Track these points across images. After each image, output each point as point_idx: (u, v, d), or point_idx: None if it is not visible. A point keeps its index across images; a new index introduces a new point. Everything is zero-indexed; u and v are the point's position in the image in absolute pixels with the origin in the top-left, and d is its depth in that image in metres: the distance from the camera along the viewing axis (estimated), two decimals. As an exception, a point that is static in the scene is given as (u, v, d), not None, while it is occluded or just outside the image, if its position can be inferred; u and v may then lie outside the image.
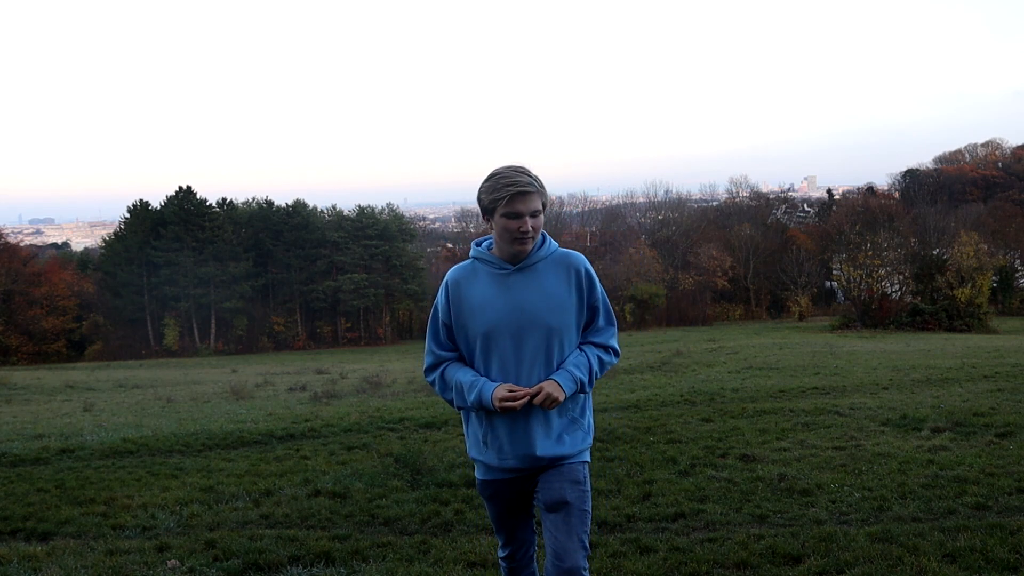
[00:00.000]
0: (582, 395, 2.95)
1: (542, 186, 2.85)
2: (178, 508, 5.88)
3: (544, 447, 2.86)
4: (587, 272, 2.93)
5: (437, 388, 2.96)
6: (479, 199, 2.87)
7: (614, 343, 2.99)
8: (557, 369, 2.87)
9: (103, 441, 8.88)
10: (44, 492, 6.54)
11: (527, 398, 2.77)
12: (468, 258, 3.01)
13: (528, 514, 3.09)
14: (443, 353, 2.95)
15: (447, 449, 7.68)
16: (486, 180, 2.85)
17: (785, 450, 6.99)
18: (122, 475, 7.17)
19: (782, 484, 5.83)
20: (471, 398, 2.83)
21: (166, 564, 4.57)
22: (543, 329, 2.83)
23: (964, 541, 4.35)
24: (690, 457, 6.84)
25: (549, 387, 2.78)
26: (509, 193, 2.77)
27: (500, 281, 2.88)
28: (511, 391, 2.78)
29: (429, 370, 2.99)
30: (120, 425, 10.91)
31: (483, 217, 2.90)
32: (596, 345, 2.95)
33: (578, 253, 2.98)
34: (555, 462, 2.89)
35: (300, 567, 4.46)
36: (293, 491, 6.25)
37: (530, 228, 2.80)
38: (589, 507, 2.90)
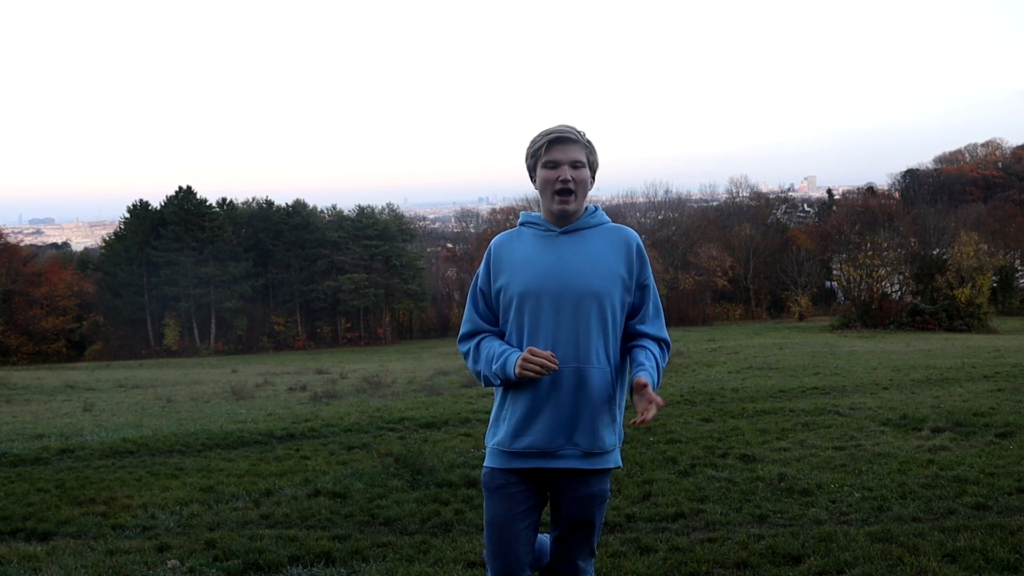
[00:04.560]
0: (622, 386, 2.75)
1: (589, 143, 2.69)
2: (178, 508, 5.87)
3: (569, 433, 2.62)
4: (639, 248, 2.73)
5: (469, 359, 2.74)
6: (526, 163, 2.73)
7: (665, 335, 2.76)
8: (599, 346, 2.62)
9: (103, 441, 8.87)
10: (44, 492, 6.54)
11: (550, 367, 2.51)
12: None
13: (533, 527, 2.72)
14: (482, 323, 2.76)
15: (447, 449, 7.69)
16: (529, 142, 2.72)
17: (785, 450, 6.99)
18: (122, 475, 7.17)
19: (782, 484, 5.83)
20: (496, 365, 2.61)
21: (166, 564, 4.57)
22: (587, 294, 2.61)
23: (964, 541, 4.35)
24: (690, 457, 6.84)
25: (653, 397, 2.50)
26: (546, 140, 2.64)
27: (546, 242, 2.70)
28: (539, 354, 2.51)
29: (464, 338, 2.78)
30: (120, 425, 10.91)
31: (532, 182, 2.74)
32: (651, 338, 2.72)
33: (632, 229, 2.79)
34: (578, 457, 2.64)
35: (300, 567, 4.46)
36: (293, 491, 6.24)
37: (570, 178, 2.62)
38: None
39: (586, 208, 2.74)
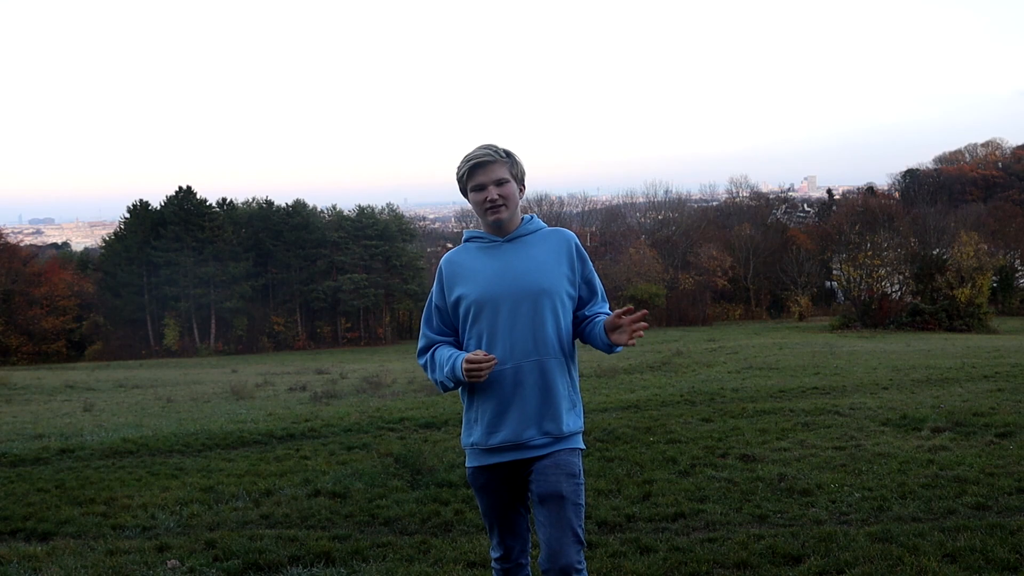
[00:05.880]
0: (576, 375, 2.98)
1: (509, 156, 2.91)
2: (178, 508, 5.88)
3: (538, 422, 2.83)
4: (578, 246, 2.96)
5: (428, 371, 2.97)
6: (459, 189, 2.96)
7: None
8: (554, 338, 2.85)
9: (103, 441, 8.87)
10: (44, 492, 6.54)
11: (492, 364, 2.76)
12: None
13: (522, 510, 3.02)
14: (436, 337, 2.98)
15: (447, 449, 7.69)
16: None
17: (785, 450, 6.99)
18: (122, 475, 7.17)
19: (782, 484, 5.83)
20: (446, 369, 2.83)
21: (166, 564, 4.57)
22: (536, 292, 2.84)
23: (964, 541, 4.35)
24: (690, 457, 6.84)
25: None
26: (467, 168, 2.87)
27: (492, 252, 2.93)
28: (475, 359, 2.75)
29: (421, 352, 3.01)
30: (120, 425, 10.91)
31: (468, 202, 2.98)
32: (604, 313, 2.95)
33: (568, 230, 3.02)
34: (549, 444, 2.84)
35: (300, 567, 4.46)
36: (293, 491, 6.25)
37: (496, 196, 2.86)
38: (583, 500, 2.86)
39: (523, 218, 2.98)
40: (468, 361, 2.75)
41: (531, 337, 2.83)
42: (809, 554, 4.30)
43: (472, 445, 2.92)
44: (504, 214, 2.88)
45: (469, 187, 2.90)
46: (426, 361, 2.98)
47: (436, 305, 2.98)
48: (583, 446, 2.96)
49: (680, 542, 4.62)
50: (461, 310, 2.91)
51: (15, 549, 4.94)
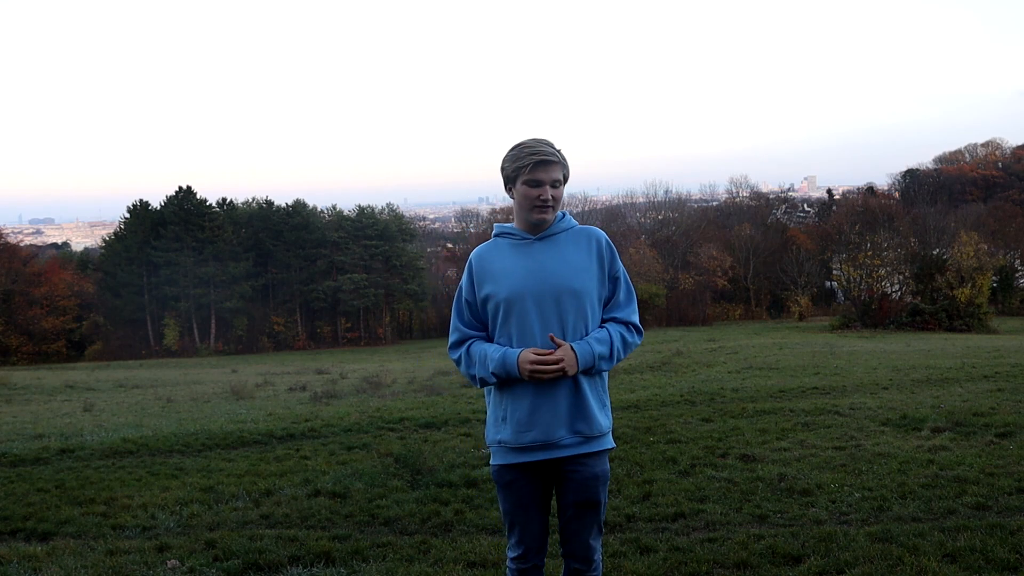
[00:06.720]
0: (606, 374, 2.94)
1: (565, 160, 2.90)
2: (178, 508, 5.88)
3: (569, 422, 2.83)
4: (608, 243, 2.95)
5: (462, 365, 2.94)
6: (502, 169, 2.91)
7: (635, 319, 2.96)
8: (586, 334, 2.85)
9: (103, 441, 8.87)
10: (44, 492, 6.54)
11: (560, 367, 2.73)
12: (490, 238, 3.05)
13: (545, 509, 2.99)
14: (468, 330, 2.95)
15: (447, 449, 7.69)
16: (510, 150, 2.89)
17: (785, 450, 6.99)
18: (122, 475, 7.17)
19: (782, 484, 5.83)
20: (492, 366, 2.80)
21: (166, 564, 4.57)
22: (566, 292, 2.83)
23: (964, 541, 4.35)
24: (690, 457, 6.84)
25: (568, 353, 2.76)
26: (532, 161, 2.82)
27: (522, 250, 2.91)
28: (539, 355, 2.74)
29: (454, 346, 2.98)
30: (120, 425, 10.91)
31: (505, 188, 2.93)
32: (618, 321, 2.93)
33: (598, 228, 3.01)
34: (579, 443, 2.84)
35: (300, 567, 4.46)
36: (293, 491, 6.25)
37: (550, 197, 2.85)
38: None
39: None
40: (533, 363, 2.74)
41: (562, 337, 2.82)
42: (809, 554, 4.30)
43: (500, 443, 2.89)
44: (550, 216, 2.88)
45: (524, 179, 2.84)
46: (460, 355, 2.95)
47: (466, 299, 2.95)
48: (613, 444, 2.97)
49: (680, 542, 4.62)
50: (491, 307, 2.89)
51: (15, 549, 4.94)
